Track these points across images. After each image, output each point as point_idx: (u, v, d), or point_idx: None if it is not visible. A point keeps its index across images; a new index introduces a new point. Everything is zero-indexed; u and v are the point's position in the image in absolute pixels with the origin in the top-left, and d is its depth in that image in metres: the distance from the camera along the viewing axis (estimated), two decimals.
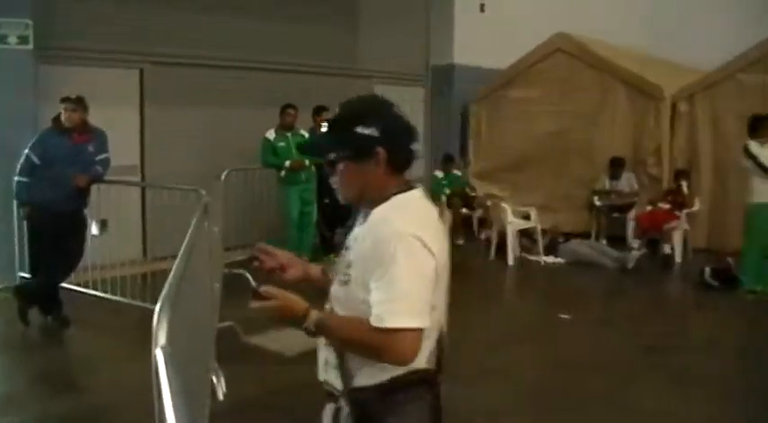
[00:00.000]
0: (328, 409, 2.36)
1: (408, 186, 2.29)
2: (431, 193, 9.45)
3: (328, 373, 2.29)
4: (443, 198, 11.69)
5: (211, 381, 4.94)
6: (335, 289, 2.28)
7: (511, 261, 10.02)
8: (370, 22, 12.12)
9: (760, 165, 8.33)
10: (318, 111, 9.44)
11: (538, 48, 12.47)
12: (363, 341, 2.09)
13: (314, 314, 2.13)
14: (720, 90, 11.03)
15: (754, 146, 8.43)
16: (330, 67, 11.21)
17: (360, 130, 2.20)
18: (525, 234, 10.54)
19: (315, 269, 2.50)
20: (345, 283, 2.21)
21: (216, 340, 5.39)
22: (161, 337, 1.95)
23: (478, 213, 11.84)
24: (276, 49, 10.53)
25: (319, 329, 2.14)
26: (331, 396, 2.32)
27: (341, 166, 2.26)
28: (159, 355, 1.85)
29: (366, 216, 2.27)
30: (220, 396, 4.96)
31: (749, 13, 13.40)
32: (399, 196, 2.25)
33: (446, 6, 13.23)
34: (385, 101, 2.32)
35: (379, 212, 2.22)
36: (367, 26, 12.10)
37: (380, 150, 2.20)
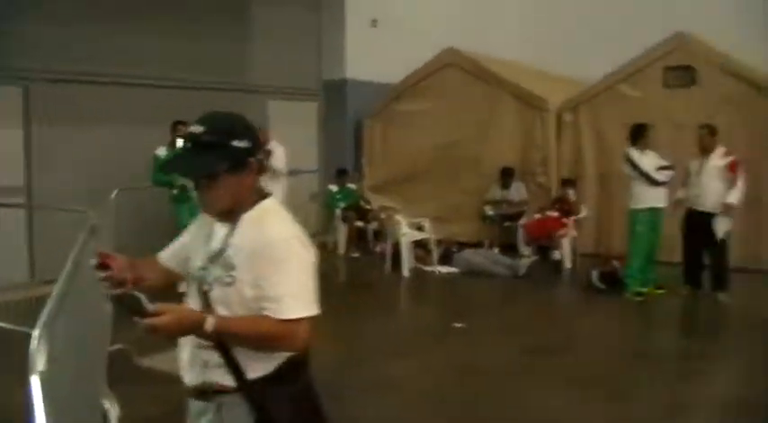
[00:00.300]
0: (204, 408, 2.46)
1: (264, 193, 2.48)
2: (326, 207, 9.62)
3: (210, 374, 2.38)
4: (338, 212, 11.76)
5: (103, 405, 4.82)
6: (218, 291, 2.37)
7: (406, 272, 10.12)
8: (262, 38, 12.07)
9: (641, 171, 8.69)
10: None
11: (429, 62, 12.70)
12: (268, 334, 2.25)
13: (211, 319, 2.20)
14: (602, 101, 11.50)
15: (634, 153, 8.77)
16: (222, 83, 11.10)
17: (236, 143, 2.34)
18: (420, 245, 10.67)
19: (143, 269, 2.57)
20: (229, 284, 2.34)
21: (108, 363, 5.26)
22: (39, 363, 1.91)
23: (373, 226, 11.94)
24: (167, 65, 10.37)
25: (219, 332, 2.21)
26: (203, 396, 2.43)
27: (219, 180, 2.34)
28: (35, 381, 1.81)
29: (233, 224, 2.41)
30: (113, 420, 4.85)
31: (629, 27, 13.97)
32: (264, 203, 2.45)
33: (338, 21, 13.29)
34: (241, 114, 2.47)
35: (254, 219, 2.40)
36: (259, 42, 12.05)
37: (253, 161, 2.39)
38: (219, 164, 2.31)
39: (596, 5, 15.49)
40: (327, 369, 6.20)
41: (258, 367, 2.34)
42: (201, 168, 2.36)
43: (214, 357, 2.34)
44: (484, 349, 6.93)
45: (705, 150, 8.65)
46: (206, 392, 2.42)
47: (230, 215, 2.41)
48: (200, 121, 2.37)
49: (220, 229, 2.44)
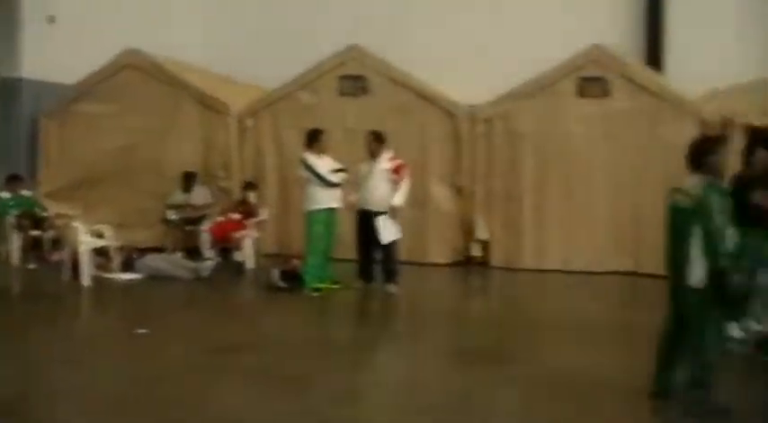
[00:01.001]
0: None
1: None
2: None
3: None
4: (11, 220, 11.07)
5: None
6: None
7: (86, 281, 9.73)
8: None
9: (316, 174, 9.17)
10: None
11: (109, 63, 12.37)
12: None
13: None
14: (282, 107, 11.95)
15: (310, 157, 9.24)
16: None
17: None
18: (100, 252, 10.32)
19: None
20: None
21: None
22: None
23: (50, 234, 11.34)
24: None
25: None
26: None
27: None
28: None
29: None
30: None
31: (309, 37, 14.52)
32: None
33: (12, 16, 12.43)
34: None
35: None
36: None
37: None
38: None
39: (279, 14, 15.92)
40: (4, 381, 5.92)
41: None
42: None
43: None
44: (168, 353, 6.84)
45: (372, 155, 9.30)
46: None
47: None
48: None
49: None
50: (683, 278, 5.14)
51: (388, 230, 9.14)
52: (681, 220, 5.18)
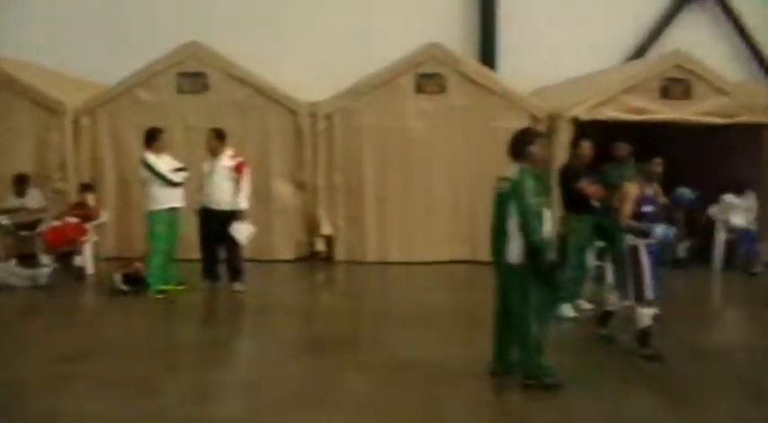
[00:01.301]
0: None
1: None
2: None
3: None
4: None
5: None
6: None
7: None
8: None
9: (157, 174, 9.05)
10: None
11: None
12: None
13: None
14: (120, 105, 11.63)
15: (150, 157, 9.11)
16: None
17: None
18: None
19: None
20: None
21: None
22: None
23: None
24: None
25: None
26: None
27: None
28: None
29: None
30: None
31: (147, 32, 14.21)
32: None
33: None
34: None
35: None
36: None
37: None
38: None
39: (118, 8, 15.46)
40: None
41: None
42: None
43: None
44: (9, 365, 6.59)
45: (213, 152, 9.29)
46: None
47: None
48: None
49: None
50: (503, 257, 5.58)
51: (243, 232, 9.23)
52: (501, 204, 5.63)
